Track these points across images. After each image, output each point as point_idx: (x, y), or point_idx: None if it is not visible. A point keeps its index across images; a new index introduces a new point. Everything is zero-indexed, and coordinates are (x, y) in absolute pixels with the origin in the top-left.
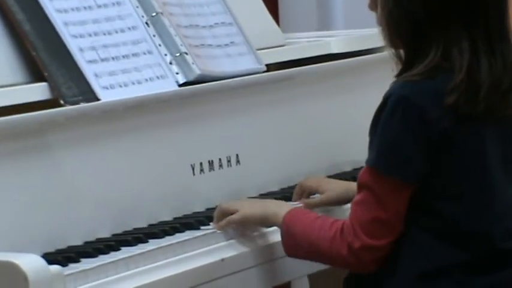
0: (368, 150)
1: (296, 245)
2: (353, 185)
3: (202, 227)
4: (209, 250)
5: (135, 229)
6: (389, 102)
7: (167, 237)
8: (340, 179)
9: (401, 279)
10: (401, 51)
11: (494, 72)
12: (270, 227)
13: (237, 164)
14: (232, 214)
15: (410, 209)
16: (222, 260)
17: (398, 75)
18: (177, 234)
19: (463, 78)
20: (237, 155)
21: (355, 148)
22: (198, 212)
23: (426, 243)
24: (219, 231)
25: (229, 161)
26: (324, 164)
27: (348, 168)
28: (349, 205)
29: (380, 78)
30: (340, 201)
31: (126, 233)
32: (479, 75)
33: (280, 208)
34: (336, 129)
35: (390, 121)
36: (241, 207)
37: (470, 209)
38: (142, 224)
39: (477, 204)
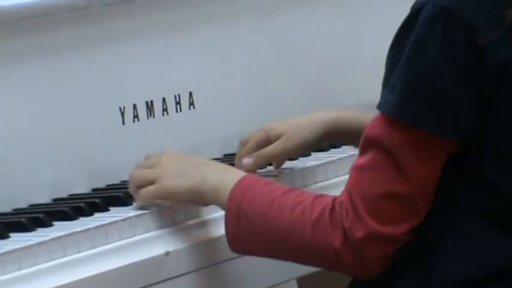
0: (382, 88)
1: (250, 233)
2: (319, 115)
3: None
4: (145, 239)
5: (14, 209)
6: (422, 16)
7: (82, 219)
8: None
9: None
10: None
11: None
12: (205, 205)
13: (190, 108)
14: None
15: (450, 181)
16: (167, 253)
17: None
18: (98, 215)
19: None
20: (190, 93)
21: (361, 84)
22: None
23: (475, 233)
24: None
25: (178, 102)
26: (311, 105)
27: None
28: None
29: None
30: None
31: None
32: None
33: (222, 176)
34: (336, 56)
35: (423, 45)
36: (160, 173)
37: None
38: (43, 198)
39: None
